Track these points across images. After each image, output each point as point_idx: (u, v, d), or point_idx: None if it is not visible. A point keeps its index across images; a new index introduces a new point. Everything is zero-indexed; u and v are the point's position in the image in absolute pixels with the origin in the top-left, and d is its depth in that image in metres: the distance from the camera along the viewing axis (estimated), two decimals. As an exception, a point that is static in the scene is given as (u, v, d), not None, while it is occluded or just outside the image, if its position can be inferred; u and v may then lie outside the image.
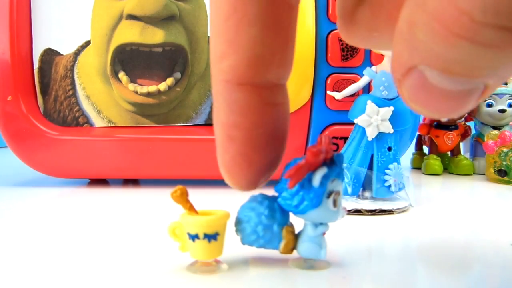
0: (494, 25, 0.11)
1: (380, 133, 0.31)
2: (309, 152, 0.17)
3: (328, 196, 0.18)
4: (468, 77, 0.13)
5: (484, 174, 0.49)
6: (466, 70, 0.12)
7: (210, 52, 0.16)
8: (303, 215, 0.19)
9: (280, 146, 0.17)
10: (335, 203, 0.19)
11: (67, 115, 0.40)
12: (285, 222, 0.20)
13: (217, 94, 0.16)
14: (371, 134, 0.31)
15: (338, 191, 0.19)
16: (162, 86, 0.40)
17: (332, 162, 0.18)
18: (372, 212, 0.30)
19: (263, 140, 0.16)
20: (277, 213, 0.19)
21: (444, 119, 0.15)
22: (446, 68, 0.13)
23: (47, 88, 0.40)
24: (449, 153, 0.53)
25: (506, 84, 0.51)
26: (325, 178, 0.18)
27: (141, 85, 0.40)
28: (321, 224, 0.19)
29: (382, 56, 0.32)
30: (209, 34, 0.40)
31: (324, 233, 0.20)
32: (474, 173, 0.51)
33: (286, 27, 0.15)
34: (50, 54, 0.40)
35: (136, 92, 0.40)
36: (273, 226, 0.19)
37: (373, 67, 0.32)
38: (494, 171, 0.45)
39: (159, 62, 0.40)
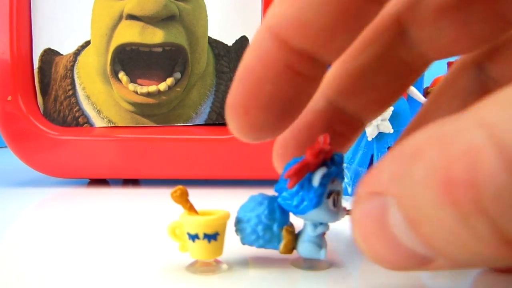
0: (493, 227, 0.09)
1: (380, 133, 0.31)
2: (308, 152, 0.17)
3: (328, 196, 0.18)
4: (429, 246, 0.10)
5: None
6: (435, 238, 0.10)
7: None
8: (303, 215, 0.19)
9: (286, 113, 0.16)
10: (335, 203, 0.19)
11: (67, 115, 0.40)
12: (285, 222, 0.20)
13: (254, 36, 0.15)
14: (371, 134, 0.31)
15: (338, 191, 0.19)
16: (162, 86, 0.40)
17: (332, 162, 0.18)
18: (372, 212, 0.30)
19: (267, 97, 0.15)
20: (277, 213, 0.19)
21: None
22: (416, 223, 0.10)
23: (47, 88, 0.40)
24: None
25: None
26: (325, 178, 0.18)
27: (141, 85, 0.40)
28: (321, 224, 0.19)
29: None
30: (209, 34, 0.40)
31: (324, 233, 0.20)
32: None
33: (353, 15, 0.14)
34: (50, 54, 0.40)
35: (136, 92, 0.40)
36: (272, 226, 0.19)
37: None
38: (494, 171, 0.45)
39: (159, 62, 0.40)
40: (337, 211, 0.19)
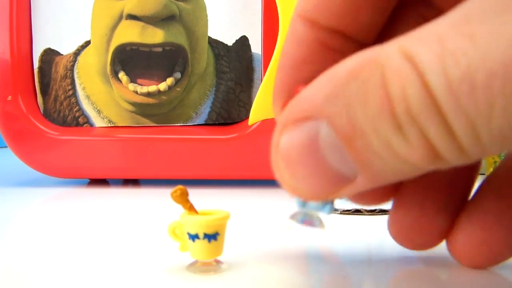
0: (424, 140, 0.11)
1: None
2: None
3: None
4: (359, 160, 0.12)
5: (484, 174, 0.49)
6: (366, 151, 0.11)
7: None
8: None
9: None
10: None
11: (67, 115, 0.40)
12: None
13: (289, 27, 0.16)
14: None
15: None
16: (162, 86, 0.40)
17: None
18: (372, 212, 0.30)
19: (308, 74, 0.16)
20: None
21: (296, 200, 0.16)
22: (350, 138, 0.12)
23: (47, 88, 0.40)
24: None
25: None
26: None
27: (141, 85, 0.40)
28: None
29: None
30: (209, 34, 0.40)
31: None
32: (474, 173, 0.51)
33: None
34: (50, 54, 0.40)
35: (136, 92, 0.40)
36: None
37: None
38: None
39: (159, 62, 0.40)
40: None
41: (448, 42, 0.10)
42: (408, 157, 0.11)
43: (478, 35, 0.10)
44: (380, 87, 0.11)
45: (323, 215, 0.19)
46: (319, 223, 0.19)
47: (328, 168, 0.12)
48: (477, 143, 0.10)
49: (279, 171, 0.14)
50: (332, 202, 0.19)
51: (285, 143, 0.13)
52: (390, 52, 0.11)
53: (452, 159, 0.11)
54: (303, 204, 0.19)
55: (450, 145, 0.11)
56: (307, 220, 0.19)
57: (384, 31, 0.17)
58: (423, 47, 0.10)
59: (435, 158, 0.11)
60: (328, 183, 0.13)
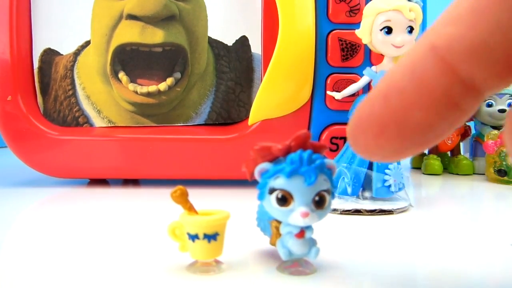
0: None
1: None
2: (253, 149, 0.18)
3: (270, 192, 0.18)
4: None
5: (484, 174, 0.49)
6: None
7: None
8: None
9: (424, 142, 0.14)
10: (280, 201, 0.18)
11: (67, 115, 0.40)
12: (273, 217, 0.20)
13: (412, 50, 0.13)
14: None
15: (283, 190, 0.18)
16: (162, 86, 0.40)
17: (279, 160, 0.18)
18: (372, 212, 0.30)
19: (413, 124, 0.13)
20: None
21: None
22: None
23: (47, 88, 0.40)
24: (449, 153, 0.53)
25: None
26: (264, 173, 0.18)
27: (141, 85, 0.40)
28: (288, 224, 0.19)
29: (382, 56, 0.32)
30: (209, 34, 0.40)
31: (298, 235, 0.19)
32: (474, 173, 0.51)
33: None
34: (50, 54, 0.40)
35: (136, 92, 0.40)
36: (264, 219, 0.21)
37: (373, 67, 0.32)
38: (494, 171, 0.45)
39: (159, 62, 0.40)
40: (287, 211, 0.18)
41: None
42: None
43: None
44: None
45: (311, 259, 0.19)
46: (307, 266, 0.20)
47: None
48: None
49: None
50: (316, 246, 0.19)
51: None
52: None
53: None
54: (289, 254, 0.19)
55: None
56: (294, 264, 0.20)
57: None
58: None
59: None
60: None
